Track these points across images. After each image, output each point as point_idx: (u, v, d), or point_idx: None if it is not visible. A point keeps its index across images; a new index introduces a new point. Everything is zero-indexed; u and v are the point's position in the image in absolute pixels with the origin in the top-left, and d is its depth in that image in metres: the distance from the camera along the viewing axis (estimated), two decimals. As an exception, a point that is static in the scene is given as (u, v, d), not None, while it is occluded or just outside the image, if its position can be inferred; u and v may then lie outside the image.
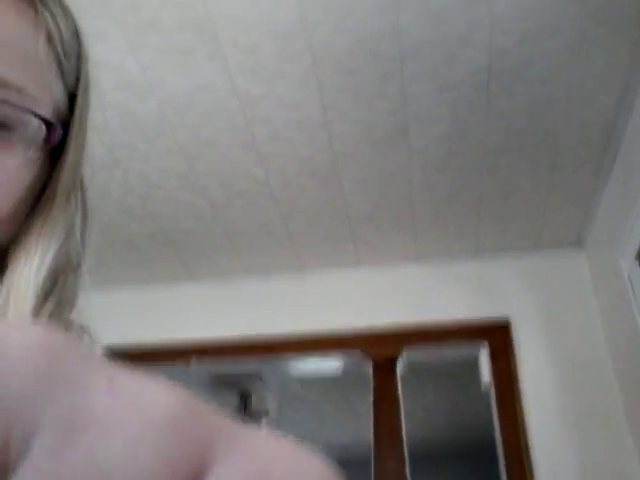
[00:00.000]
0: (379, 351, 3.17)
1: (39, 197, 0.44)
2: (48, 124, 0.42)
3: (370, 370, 3.16)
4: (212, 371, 3.76)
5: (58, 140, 0.43)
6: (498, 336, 3.07)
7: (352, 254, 3.33)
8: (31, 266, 0.41)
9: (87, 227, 0.48)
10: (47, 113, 0.42)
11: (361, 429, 5.07)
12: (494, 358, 3.03)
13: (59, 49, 0.44)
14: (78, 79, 0.47)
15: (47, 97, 0.43)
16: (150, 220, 3.07)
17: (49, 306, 0.41)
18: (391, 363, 3.14)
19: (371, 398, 3.09)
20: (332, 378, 4.39)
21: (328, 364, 3.72)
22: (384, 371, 3.13)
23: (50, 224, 0.43)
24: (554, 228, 3.09)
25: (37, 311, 0.40)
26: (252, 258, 3.38)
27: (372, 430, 3.00)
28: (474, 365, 3.21)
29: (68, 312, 0.44)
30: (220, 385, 4.43)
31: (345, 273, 3.42)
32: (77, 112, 0.46)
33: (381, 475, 2.87)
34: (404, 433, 2.98)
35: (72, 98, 0.46)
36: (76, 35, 0.47)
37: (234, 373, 3.98)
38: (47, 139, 0.42)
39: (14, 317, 0.39)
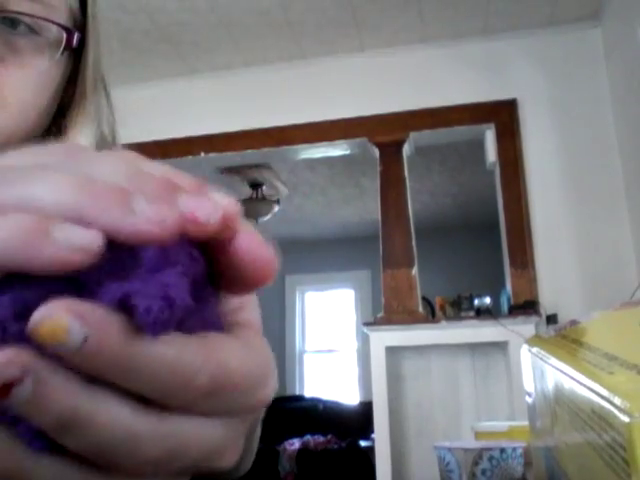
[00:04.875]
0: (385, 137, 3.20)
1: (69, 91, 0.53)
2: (68, 30, 0.49)
3: (377, 155, 3.22)
4: (222, 163, 3.85)
5: (77, 42, 0.50)
6: (505, 116, 3.07)
7: (355, 39, 3.20)
8: (84, 140, 0.52)
9: (113, 108, 0.58)
10: (65, 20, 0.50)
11: (368, 210, 5.32)
12: (500, 138, 3.06)
13: None
14: None
15: (64, 5, 0.50)
16: (144, 15, 2.92)
17: None
18: (397, 147, 3.19)
19: (378, 181, 3.19)
20: (340, 164, 4.49)
21: (335, 151, 3.78)
22: (390, 155, 3.19)
23: (86, 111, 0.53)
24: (569, 1, 2.92)
25: None
26: (252, 49, 3.26)
27: (380, 210, 3.15)
28: (480, 146, 3.26)
29: None
30: (231, 176, 4.56)
31: (349, 59, 3.33)
32: (89, 12, 0.53)
33: (389, 248, 3.08)
34: (411, 212, 3.12)
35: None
36: None
37: (243, 164, 4.07)
38: (68, 42, 0.49)
39: None
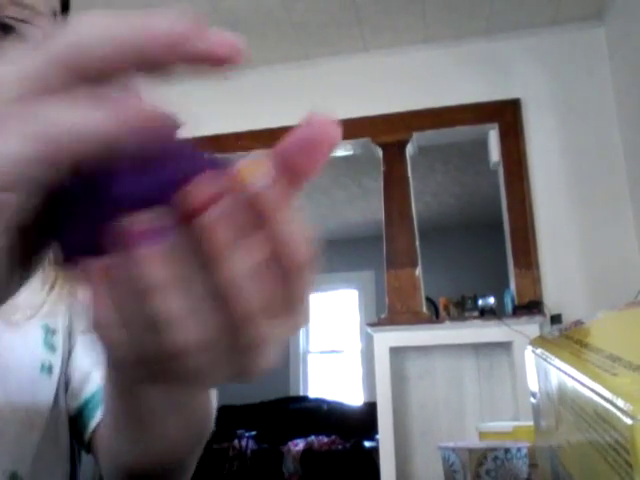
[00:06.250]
0: (388, 137, 3.20)
1: None
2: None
3: (380, 155, 3.22)
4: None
5: None
6: (508, 116, 3.07)
7: (359, 39, 3.20)
8: None
9: None
10: (47, 22, 0.50)
11: (372, 210, 5.31)
12: (504, 138, 3.06)
13: None
14: None
15: (49, 10, 0.51)
16: (146, 16, 2.93)
17: None
18: (400, 147, 3.19)
19: (381, 181, 3.19)
20: (343, 164, 4.48)
21: (338, 151, 3.77)
22: (393, 155, 3.19)
23: None
24: (572, 0, 2.91)
25: None
26: (255, 50, 3.27)
27: (383, 211, 3.14)
28: (483, 146, 3.26)
29: None
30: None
31: (352, 60, 3.33)
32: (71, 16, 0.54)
33: (393, 249, 3.07)
34: (414, 212, 3.12)
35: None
36: None
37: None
38: None
39: None
